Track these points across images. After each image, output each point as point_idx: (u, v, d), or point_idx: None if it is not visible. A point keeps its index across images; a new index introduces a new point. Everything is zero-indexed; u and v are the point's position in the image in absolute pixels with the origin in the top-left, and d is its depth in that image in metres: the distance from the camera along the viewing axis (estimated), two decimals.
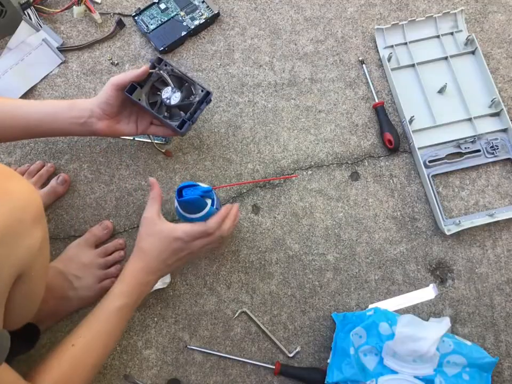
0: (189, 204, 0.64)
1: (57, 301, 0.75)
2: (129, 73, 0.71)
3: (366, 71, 0.90)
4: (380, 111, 0.87)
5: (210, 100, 0.77)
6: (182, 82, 0.75)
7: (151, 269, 0.66)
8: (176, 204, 0.66)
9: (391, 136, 0.84)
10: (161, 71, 0.73)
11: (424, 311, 0.79)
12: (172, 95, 0.73)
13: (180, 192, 0.64)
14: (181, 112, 0.75)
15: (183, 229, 0.65)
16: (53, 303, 0.74)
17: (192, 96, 0.76)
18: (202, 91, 0.75)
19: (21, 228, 0.47)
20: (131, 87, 0.72)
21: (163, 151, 0.85)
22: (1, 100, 0.72)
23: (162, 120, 0.74)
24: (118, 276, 0.67)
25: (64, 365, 0.59)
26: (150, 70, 0.73)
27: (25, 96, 0.90)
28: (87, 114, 0.72)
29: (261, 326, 0.79)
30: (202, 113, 0.77)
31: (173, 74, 0.74)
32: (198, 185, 0.65)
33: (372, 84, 0.89)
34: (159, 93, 0.74)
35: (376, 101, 0.88)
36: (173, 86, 0.73)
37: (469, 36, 0.89)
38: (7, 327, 0.51)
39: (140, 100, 0.73)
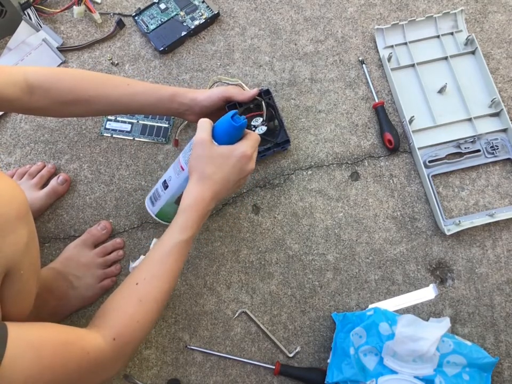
0: (242, 128, 0.64)
1: (58, 301, 0.75)
2: (243, 94, 0.76)
3: (366, 71, 0.90)
4: (380, 111, 0.87)
5: (286, 149, 0.84)
6: (272, 119, 0.82)
7: (216, 193, 0.63)
8: (223, 134, 0.64)
9: (391, 136, 0.84)
10: (263, 102, 0.79)
11: (424, 311, 0.79)
12: (259, 126, 0.79)
13: (232, 119, 0.63)
14: None
15: (244, 143, 0.64)
16: (53, 304, 0.74)
17: (276, 134, 0.82)
18: (285, 137, 0.82)
19: (5, 224, 0.47)
20: (233, 104, 0.78)
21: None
22: (111, 79, 0.74)
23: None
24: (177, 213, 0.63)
25: (131, 303, 0.57)
26: (257, 97, 0.78)
27: None
28: (185, 108, 0.76)
29: (261, 326, 0.79)
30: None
31: (270, 110, 0.80)
32: (229, 115, 0.64)
33: (372, 83, 0.89)
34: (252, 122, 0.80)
35: (376, 101, 0.88)
36: (264, 118, 0.79)
37: (469, 36, 0.89)
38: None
39: None
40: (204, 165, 0.62)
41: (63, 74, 0.71)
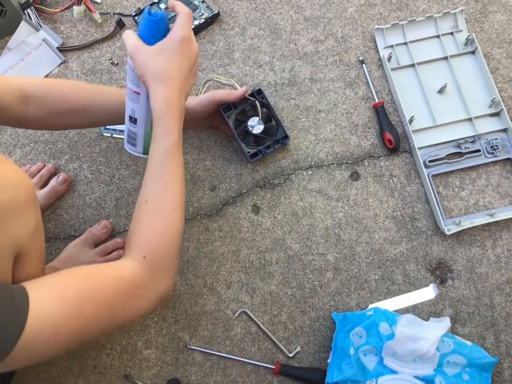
0: (164, 20, 0.60)
1: None
2: (231, 94, 0.78)
3: (366, 71, 0.90)
4: (380, 111, 0.87)
5: (285, 144, 0.85)
6: (269, 117, 0.84)
7: (179, 87, 0.60)
8: (148, 33, 0.61)
9: (391, 136, 0.84)
10: (257, 102, 0.81)
11: (424, 311, 0.79)
12: (256, 125, 0.81)
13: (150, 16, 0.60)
14: (256, 142, 0.83)
15: (176, 28, 0.59)
16: None
17: (273, 132, 0.84)
18: (283, 133, 0.83)
19: (15, 206, 0.48)
20: (228, 106, 0.81)
21: None
22: (106, 88, 0.74)
23: (239, 143, 0.82)
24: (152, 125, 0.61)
25: (147, 219, 0.57)
26: (249, 97, 0.81)
27: None
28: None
29: (261, 326, 0.79)
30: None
31: (265, 108, 0.83)
32: (145, 13, 0.61)
33: (372, 83, 0.89)
34: (245, 120, 0.82)
35: (376, 100, 0.88)
36: (260, 118, 0.81)
37: (469, 35, 0.89)
38: None
39: (229, 117, 0.82)
40: (152, 67, 0.59)
41: (57, 84, 0.70)
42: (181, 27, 0.59)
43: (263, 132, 0.81)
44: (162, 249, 0.56)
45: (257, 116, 0.81)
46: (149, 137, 0.66)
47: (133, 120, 0.66)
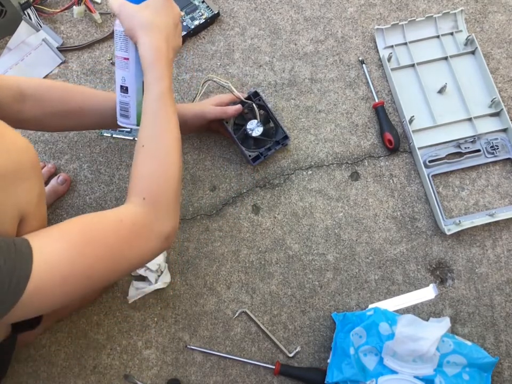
0: None
1: None
2: (226, 112, 0.79)
3: (366, 71, 0.90)
4: (380, 111, 0.87)
5: (286, 144, 0.84)
6: (267, 119, 0.84)
7: (167, 38, 0.62)
8: None
9: (391, 136, 0.84)
10: (254, 104, 0.81)
11: (424, 311, 0.79)
12: (255, 128, 0.81)
13: None
14: (256, 144, 0.83)
15: None
16: None
17: (272, 133, 0.84)
18: (283, 134, 0.83)
19: (21, 171, 0.49)
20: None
21: None
22: (101, 92, 0.75)
23: (240, 148, 0.82)
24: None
25: (144, 163, 0.58)
26: (245, 100, 0.81)
27: None
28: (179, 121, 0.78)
29: (261, 326, 0.79)
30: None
31: (263, 110, 0.83)
32: None
33: (372, 83, 0.89)
34: (243, 123, 0.82)
35: (376, 100, 0.88)
36: (259, 120, 0.81)
37: (469, 36, 0.89)
38: None
39: (227, 122, 0.82)
40: (139, 18, 0.61)
41: (54, 85, 0.71)
42: None
43: (262, 134, 0.81)
44: (161, 189, 0.57)
45: (256, 118, 0.81)
46: (141, 107, 0.65)
47: (124, 89, 0.66)
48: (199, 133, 0.87)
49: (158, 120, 0.60)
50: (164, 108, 0.60)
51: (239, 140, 0.82)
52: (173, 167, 0.59)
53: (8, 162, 0.47)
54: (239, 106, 0.80)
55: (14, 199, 0.49)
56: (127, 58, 0.64)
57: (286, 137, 0.83)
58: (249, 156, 0.81)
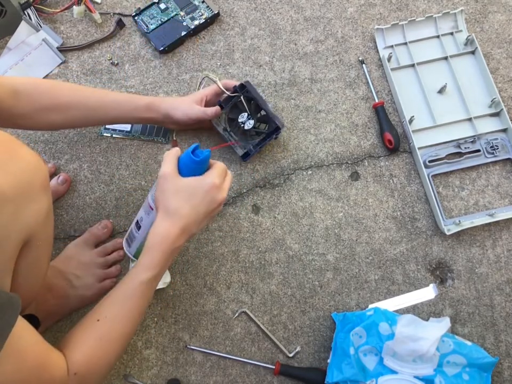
0: (204, 162, 0.62)
1: (57, 300, 0.75)
2: (206, 112, 0.79)
3: (366, 71, 0.90)
4: (380, 111, 0.87)
5: (278, 135, 0.82)
6: (259, 110, 0.81)
7: (184, 229, 0.60)
8: (186, 168, 0.62)
9: (391, 136, 0.84)
10: (242, 97, 0.80)
11: (424, 311, 0.79)
12: (246, 120, 0.80)
13: (193, 154, 0.61)
14: (250, 137, 0.83)
15: (211, 173, 0.61)
16: (52, 303, 0.74)
17: (264, 125, 0.82)
18: (274, 125, 0.80)
19: (30, 191, 0.48)
20: (220, 105, 0.81)
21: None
22: (89, 88, 0.77)
23: (233, 146, 0.83)
24: (143, 252, 0.61)
25: (91, 339, 0.56)
26: (232, 94, 0.80)
27: None
28: (162, 116, 0.79)
29: (261, 326, 0.79)
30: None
31: (252, 101, 0.80)
32: (190, 149, 0.62)
33: (372, 83, 0.89)
34: (235, 118, 0.81)
35: (376, 100, 0.88)
36: (248, 113, 0.80)
37: (469, 36, 0.89)
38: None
39: (219, 118, 0.82)
40: (168, 200, 0.60)
41: (43, 82, 0.73)
42: (214, 175, 0.61)
43: (256, 126, 0.80)
44: (92, 374, 0.56)
45: (246, 111, 0.80)
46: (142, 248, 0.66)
47: (138, 226, 0.68)
48: (195, 128, 0.87)
49: (126, 306, 0.59)
50: (139, 297, 0.59)
51: (236, 135, 0.81)
52: (112, 357, 0.58)
53: (19, 185, 0.46)
54: (217, 108, 0.79)
55: (22, 222, 0.48)
56: (152, 209, 0.64)
57: (278, 128, 0.79)
58: (240, 155, 0.82)
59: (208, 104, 0.82)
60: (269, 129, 0.81)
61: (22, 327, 0.47)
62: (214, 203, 0.61)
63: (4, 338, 0.43)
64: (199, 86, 0.87)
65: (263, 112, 0.81)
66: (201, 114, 0.79)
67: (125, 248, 0.72)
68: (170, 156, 0.62)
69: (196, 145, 0.61)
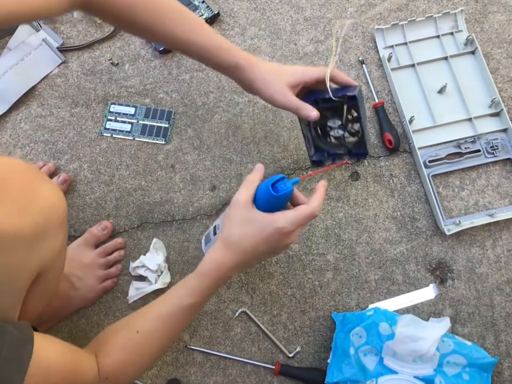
0: (283, 199, 0.57)
1: (60, 302, 0.75)
2: (300, 111, 0.65)
3: (366, 71, 0.90)
4: (380, 111, 0.87)
5: (359, 160, 0.74)
6: (357, 126, 0.71)
7: (241, 262, 0.57)
8: (262, 199, 0.57)
9: (391, 136, 0.84)
10: (345, 106, 0.67)
11: (424, 311, 0.79)
12: (336, 128, 0.70)
13: (272, 187, 0.56)
14: (329, 143, 0.74)
15: (286, 216, 0.54)
16: (55, 305, 0.74)
17: (353, 140, 0.72)
18: (363, 148, 0.72)
19: (49, 229, 0.48)
20: (314, 99, 0.68)
21: None
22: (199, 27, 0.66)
23: (306, 144, 0.73)
24: (196, 269, 0.58)
25: (128, 350, 0.57)
26: (336, 99, 0.66)
27: (25, 96, 0.90)
28: (243, 82, 0.69)
29: (261, 326, 0.79)
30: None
31: (354, 115, 0.69)
32: (273, 179, 0.57)
33: (372, 83, 0.89)
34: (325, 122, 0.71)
35: (376, 101, 0.88)
36: (342, 123, 0.70)
37: (469, 36, 0.89)
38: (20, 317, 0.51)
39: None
40: (235, 228, 0.56)
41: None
42: (290, 219, 0.54)
43: (342, 137, 0.72)
44: (124, 381, 0.58)
45: (341, 120, 0.70)
46: None
47: (215, 231, 0.65)
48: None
49: (166, 326, 0.58)
50: (180, 319, 0.58)
51: (315, 130, 0.72)
52: (145, 368, 0.60)
53: (37, 226, 0.46)
54: (316, 114, 0.65)
55: (37, 259, 0.48)
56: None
57: (364, 153, 0.71)
58: (312, 156, 0.74)
59: (302, 87, 0.68)
60: (356, 149, 0.74)
61: (42, 347, 0.47)
62: (278, 247, 0.58)
63: (25, 368, 0.43)
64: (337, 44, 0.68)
65: (358, 129, 0.71)
66: (292, 108, 0.66)
67: (202, 244, 0.71)
68: (250, 182, 0.58)
69: (280, 176, 0.56)
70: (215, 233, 0.66)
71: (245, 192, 0.57)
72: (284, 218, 0.54)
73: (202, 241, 0.72)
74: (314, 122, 0.71)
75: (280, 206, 0.57)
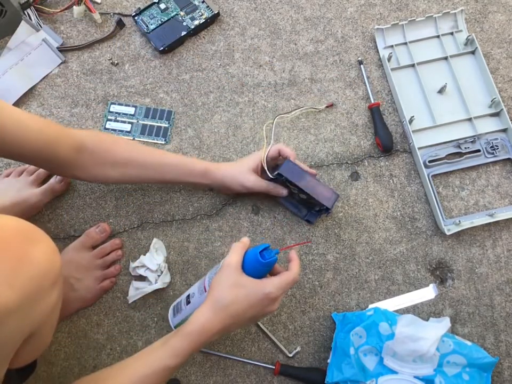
0: (269, 266, 0.61)
1: None
2: (270, 191, 0.77)
3: (363, 71, 0.90)
4: (375, 112, 0.87)
5: (329, 213, 0.78)
6: (300, 193, 0.77)
7: (227, 326, 0.58)
8: (250, 266, 0.61)
9: (380, 140, 0.84)
10: (287, 183, 0.76)
11: (424, 311, 0.79)
12: (299, 193, 0.77)
13: (260, 254, 0.60)
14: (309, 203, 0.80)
15: (273, 282, 0.58)
16: None
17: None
18: (322, 206, 0.75)
19: (40, 294, 0.46)
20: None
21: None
22: (147, 147, 0.78)
23: (294, 210, 0.83)
24: (182, 328, 0.58)
25: None
26: (272, 177, 0.75)
27: (25, 96, 0.90)
28: (217, 185, 0.78)
29: (261, 326, 0.78)
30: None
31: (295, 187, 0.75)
32: (260, 247, 0.61)
33: (370, 84, 0.89)
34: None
35: (372, 101, 0.88)
36: (296, 193, 0.79)
37: (469, 36, 0.89)
38: (10, 366, 0.49)
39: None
40: (224, 292, 0.58)
41: (106, 138, 0.74)
42: (277, 285, 0.58)
43: (308, 201, 0.78)
44: None
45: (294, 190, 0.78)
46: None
47: (188, 301, 0.67)
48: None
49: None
50: (157, 381, 0.56)
51: (296, 200, 0.82)
52: None
53: (27, 294, 0.43)
54: (286, 192, 0.77)
55: (28, 324, 0.46)
56: (206, 291, 0.63)
57: (327, 208, 0.75)
58: (304, 217, 0.82)
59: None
60: (320, 208, 0.79)
61: None
62: (263, 312, 0.60)
63: None
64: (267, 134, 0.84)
65: (306, 196, 0.76)
66: (263, 191, 0.77)
67: (169, 316, 0.71)
68: (239, 248, 0.61)
69: (265, 246, 0.60)
70: (188, 303, 0.67)
71: (235, 257, 0.60)
72: (271, 284, 0.58)
73: (170, 311, 0.72)
74: (291, 192, 0.79)
75: (265, 273, 0.62)
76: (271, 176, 0.75)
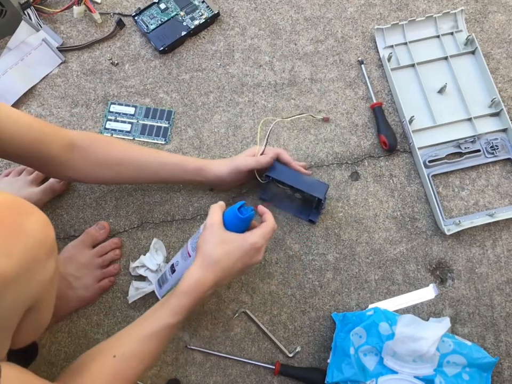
0: (248, 221, 0.64)
1: (57, 302, 0.75)
2: (259, 161, 0.75)
3: (364, 71, 0.90)
4: (377, 112, 0.87)
5: (323, 207, 0.81)
6: (294, 192, 0.80)
7: (220, 280, 0.61)
8: (230, 222, 0.64)
9: (386, 138, 0.84)
10: (277, 183, 0.78)
11: (424, 311, 0.79)
12: (294, 192, 0.80)
13: (238, 211, 0.63)
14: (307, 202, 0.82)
15: (256, 233, 0.63)
16: None
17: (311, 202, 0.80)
18: (315, 198, 0.76)
19: (35, 266, 0.46)
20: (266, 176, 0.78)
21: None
22: (141, 147, 0.78)
23: (296, 214, 0.84)
24: (176, 288, 0.61)
25: (104, 375, 0.56)
26: (263, 181, 0.78)
27: (25, 96, 0.90)
28: (210, 182, 0.78)
29: (261, 326, 0.78)
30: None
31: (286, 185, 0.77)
32: (237, 205, 0.64)
33: (371, 84, 0.89)
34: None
35: (374, 101, 0.88)
36: (289, 191, 0.81)
37: (469, 35, 0.89)
38: (11, 346, 0.49)
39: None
40: (211, 249, 0.61)
41: (99, 138, 0.74)
42: (260, 235, 0.63)
43: (303, 199, 0.80)
44: None
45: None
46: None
47: (172, 270, 0.69)
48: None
49: (144, 348, 0.58)
50: (159, 340, 0.59)
51: (295, 200, 0.83)
52: None
53: (23, 264, 0.44)
54: (270, 158, 0.76)
55: (26, 295, 0.46)
56: (189, 256, 0.66)
57: (319, 200, 0.76)
58: (308, 218, 0.82)
59: (240, 178, 0.79)
60: (313, 202, 0.79)
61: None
62: (250, 262, 0.63)
63: None
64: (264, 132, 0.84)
65: (301, 195, 0.80)
66: (251, 165, 0.75)
67: (155, 289, 0.72)
68: (217, 208, 0.64)
69: (242, 203, 0.63)
70: (173, 271, 0.68)
71: (216, 217, 0.63)
72: (255, 235, 0.62)
73: (156, 285, 0.72)
74: (288, 195, 0.83)
75: (245, 228, 0.65)
76: (261, 181, 0.77)
